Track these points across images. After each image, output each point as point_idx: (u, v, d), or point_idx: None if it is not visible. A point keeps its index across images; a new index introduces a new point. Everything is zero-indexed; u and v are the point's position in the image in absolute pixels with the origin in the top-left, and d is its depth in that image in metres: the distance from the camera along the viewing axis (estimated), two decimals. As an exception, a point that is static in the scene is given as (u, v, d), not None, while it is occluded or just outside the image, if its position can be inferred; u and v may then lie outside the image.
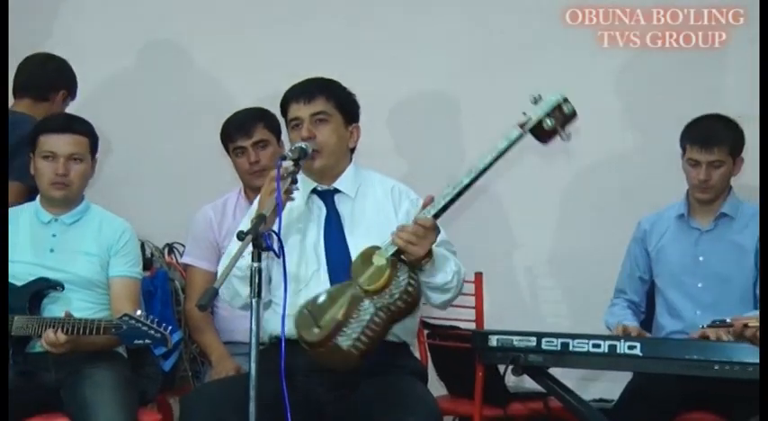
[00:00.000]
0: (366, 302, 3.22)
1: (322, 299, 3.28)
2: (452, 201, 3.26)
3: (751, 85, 4.81)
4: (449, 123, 5.04)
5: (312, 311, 3.25)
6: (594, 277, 4.74)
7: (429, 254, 3.26)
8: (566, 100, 3.28)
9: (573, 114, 3.29)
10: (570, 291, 4.95)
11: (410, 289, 3.23)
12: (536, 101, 3.29)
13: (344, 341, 3.18)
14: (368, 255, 3.27)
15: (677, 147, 4.03)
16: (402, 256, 3.24)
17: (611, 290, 4.21)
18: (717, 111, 4.16)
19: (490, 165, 3.27)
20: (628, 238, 4.18)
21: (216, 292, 3.02)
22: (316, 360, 3.25)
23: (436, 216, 3.24)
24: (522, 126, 3.26)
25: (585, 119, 4.87)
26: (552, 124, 3.26)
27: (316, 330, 3.20)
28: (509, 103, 4.50)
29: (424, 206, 3.28)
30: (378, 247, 3.27)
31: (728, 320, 3.25)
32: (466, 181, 3.25)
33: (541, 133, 3.28)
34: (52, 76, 4.48)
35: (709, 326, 3.36)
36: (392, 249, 3.23)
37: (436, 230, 3.25)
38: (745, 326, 3.17)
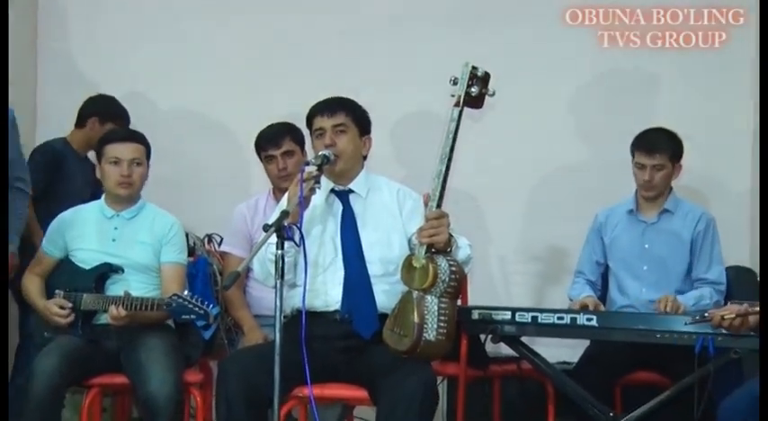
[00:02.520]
0: (428, 298, 3.19)
1: (395, 317, 3.26)
2: (443, 188, 3.24)
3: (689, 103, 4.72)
4: (440, 138, 4.85)
5: (394, 329, 3.24)
6: (554, 264, 4.72)
7: (450, 238, 3.25)
8: (474, 67, 3.25)
9: (486, 74, 3.27)
10: (534, 275, 4.85)
11: (453, 268, 3.22)
12: (455, 82, 3.27)
13: (430, 335, 3.17)
14: (408, 263, 3.26)
15: (624, 156, 4.03)
16: (433, 250, 3.22)
17: (568, 274, 4.19)
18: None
19: (452, 147, 3.25)
20: (581, 232, 4.14)
21: (238, 276, 3.01)
22: (422, 359, 3.22)
23: (438, 205, 3.23)
24: (457, 105, 3.26)
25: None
26: (477, 90, 3.26)
27: (405, 340, 3.19)
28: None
29: (426, 203, 3.27)
30: (411, 254, 3.27)
31: (707, 315, 3.23)
32: (443, 167, 3.24)
33: (473, 101, 3.27)
34: (83, 107, 4.52)
35: (691, 323, 3.31)
36: (423, 249, 3.21)
37: (446, 216, 3.24)
38: (722, 317, 3.17)
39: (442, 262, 3.21)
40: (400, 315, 3.24)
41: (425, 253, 3.22)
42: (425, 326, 3.17)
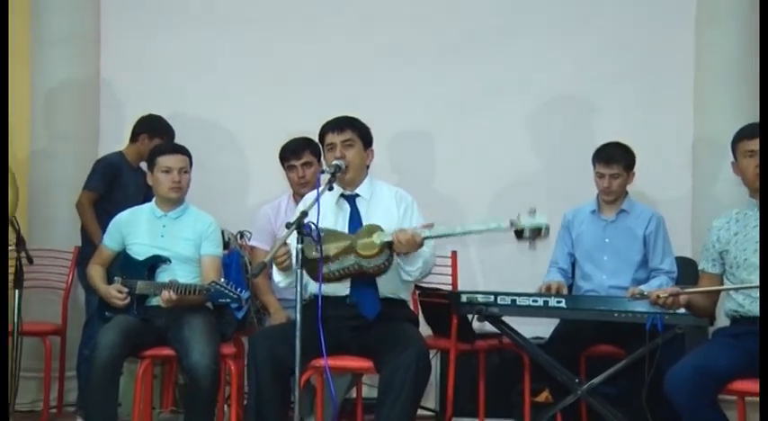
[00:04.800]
0: (352, 256, 3.29)
1: (331, 233, 3.31)
2: (442, 237, 3.31)
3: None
4: (427, 150, 4.84)
5: (323, 237, 3.23)
6: (520, 255, 4.70)
7: (407, 254, 3.31)
8: (547, 228, 3.17)
9: (546, 234, 3.20)
10: (504, 268, 4.78)
11: (382, 266, 3.31)
12: (532, 213, 3.15)
13: (326, 268, 3.27)
14: (374, 229, 3.32)
15: (577, 164, 4.11)
16: (394, 248, 3.29)
17: (532, 266, 4.24)
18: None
19: (478, 232, 3.31)
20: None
21: (264, 266, 3.06)
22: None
23: (426, 238, 3.26)
24: (512, 224, 3.17)
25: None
26: (529, 235, 3.18)
27: (314, 253, 3.22)
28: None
29: (425, 227, 3.30)
30: (382, 229, 3.31)
31: (645, 293, 3.26)
32: (458, 231, 3.31)
33: (519, 235, 3.20)
34: (135, 125, 4.56)
35: (633, 300, 3.32)
36: (388, 238, 3.28)
37: (420, 247, 3.28)
38: (658, 296, 3.20)
39: (384, 257, 3.28)
40: (332, 237, 3.30)
41: (386, 241, 3.27)
42: (329, 263, 3.27)
